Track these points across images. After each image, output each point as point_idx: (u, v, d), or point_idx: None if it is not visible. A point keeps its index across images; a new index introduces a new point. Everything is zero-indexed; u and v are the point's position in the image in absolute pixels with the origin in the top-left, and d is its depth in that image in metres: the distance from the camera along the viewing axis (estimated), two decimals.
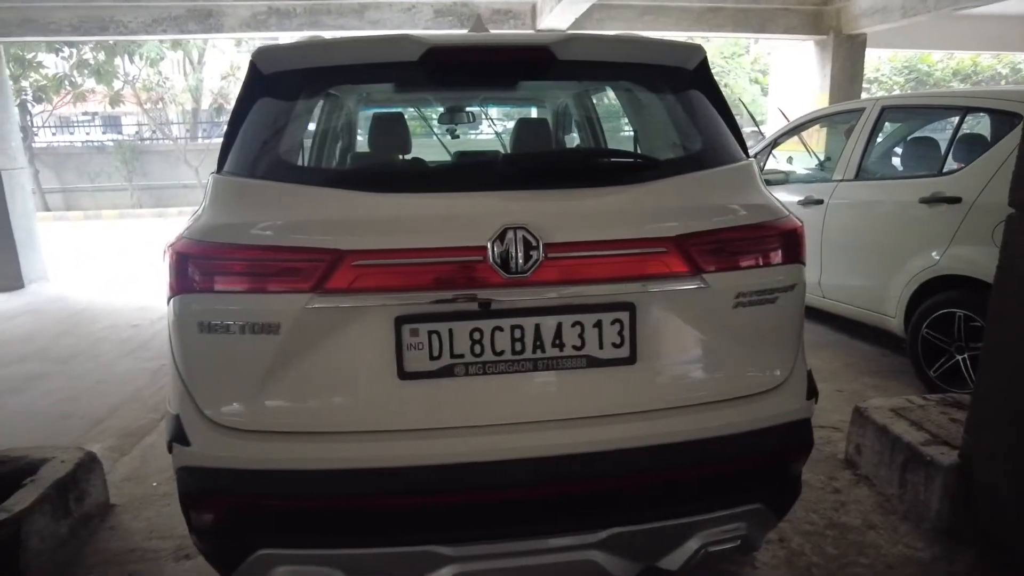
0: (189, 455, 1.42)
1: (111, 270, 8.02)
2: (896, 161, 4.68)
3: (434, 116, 3.12)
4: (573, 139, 3.45)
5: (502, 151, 2.01)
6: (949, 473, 2.23)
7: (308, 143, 1.81)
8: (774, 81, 9.26)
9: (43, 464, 2.37)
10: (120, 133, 19.06)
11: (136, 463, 2.95)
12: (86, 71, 15.83)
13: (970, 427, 2.25)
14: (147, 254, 9.26)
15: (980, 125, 4.02)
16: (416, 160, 2.01)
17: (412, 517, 1.43)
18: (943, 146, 3.86)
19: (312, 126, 1.82)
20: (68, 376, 4.16)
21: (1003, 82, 18.62)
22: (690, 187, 1.53)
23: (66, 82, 16.02)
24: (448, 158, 2.29)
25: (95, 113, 20.31)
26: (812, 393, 1.65)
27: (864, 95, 8.92)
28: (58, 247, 9.23)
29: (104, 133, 19.13)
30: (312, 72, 1.61)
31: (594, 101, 3.22)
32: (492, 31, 2.26)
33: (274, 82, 1.59)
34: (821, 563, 2.15)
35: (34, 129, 16.55)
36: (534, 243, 1.36)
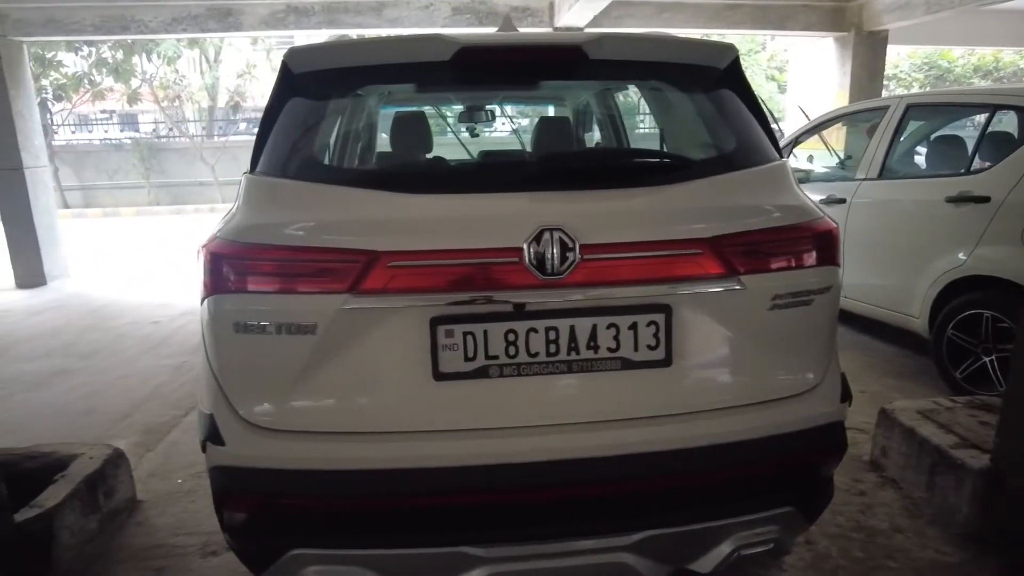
0: (223, 454, 1.43)
1: (130, 267, 8.12)
2: (920, 160, 4.62)
3: (462, 116, 3.12)
4: (595, 138, 3.43)
5: (530, 151, 1.99)
6: (979, 477, 2.20)
7: (340, 143, 1.81)
8: (792, 79, 9.17)
9: (72, 460, 2.40)
10: (137, 131, 19.24)
11: (160, 459, 2.98)
12: (104, 70, 16.00)
13: (1001, 431, 2.21)
14: (165, 251, 9.38)
15: (1008, 123, 3.96)
16: (449, 160, 2.01)
17: (445, 518, 1.43)
18: (970, 144, 3.80)
19: (343, 126, 1.82)
20: (91, 372, 4.21)
21: None
22: (725, 187, 1.52)
23: (85, 81, 16.21)
24: (479, 158, 2.29)
25: (113, 111, 20.53)
26: (846, 396, 1.63)
27: (884, 93, 8.81)
28: (78, 244, 9.34)
29: (122, 131, 19.33)
30: (343, 72, 1.61)
31: (617, 100, 3.21)
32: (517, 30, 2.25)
33: (306, 82, 1.60)
34: (848, 566, 2.13)
35: (54, 127, 16.75)
36: (570, 244, 1.35)
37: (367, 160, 2.01)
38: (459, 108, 2.97)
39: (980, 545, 2.19)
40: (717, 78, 1.71)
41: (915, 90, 17.36)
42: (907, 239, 3.79)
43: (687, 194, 1.48)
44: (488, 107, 3.22)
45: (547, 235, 1.34)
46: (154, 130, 18.10)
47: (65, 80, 16.08)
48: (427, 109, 3.45)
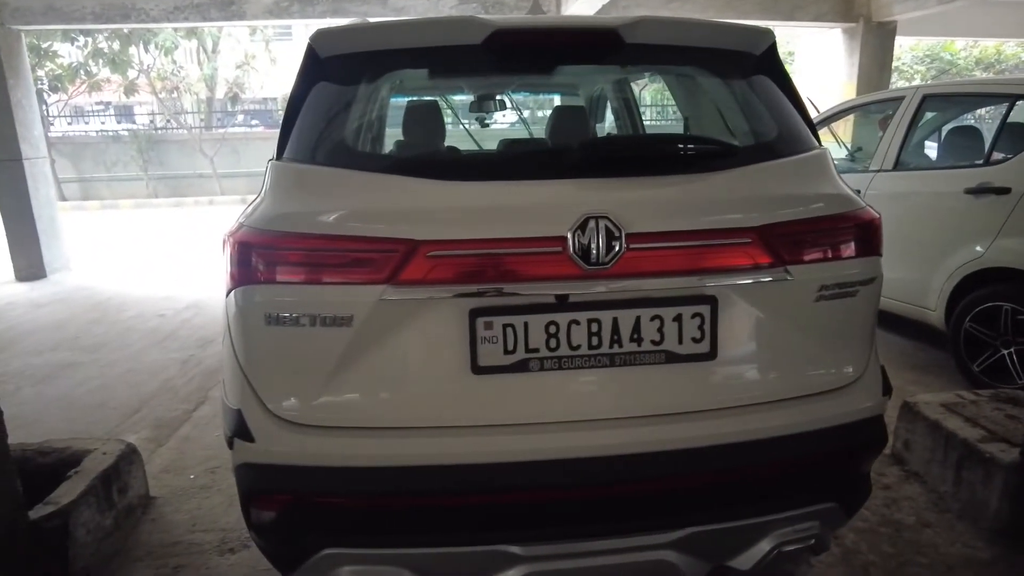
0: (252, 451, 1.39)
1: (131, 259, 8.06)
2: (936, 151, 4.58)
3: (496, 102, 3.06)
4: (627, 125, 3.37)
5: (569, 137, 1.94)
6: (1010, 471, 2.17)
7: (371, 129, 1.75)
8: (799, 70, 9.11)
9: (85, 456, 2.36)
10: (134, 123, 19.09)
11: (173, 455, 2.93)
12: (101, 60, 15.86)
13: None
14: (166, 244, 9.31)
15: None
16: (487, 147, 1.96)
17: (483, 515, 1.39)
18: (988, 135, 3.76)
19: (374, 111, 1.76)
20: (99, 365, 4.16)
21: None
22: (771, 176, 1.48)
23: (81, 71, 16.07)
24: (517, 144, 2.23)
25: (109, 103, 20.38)
26: (887, 389, 1.60)
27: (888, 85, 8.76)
28: (77, 236, 9.27)
29: (119, 123, 19.18)
30: (371, 56, 1.56)
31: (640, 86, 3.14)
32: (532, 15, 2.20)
33: (333, 66, 1.54)
34: (878, 561, 2.10)
35: (50, 119, 16.61)
36: (616, 233, 1.30)
37: (401, 146, 1.95)
38: (493, 93, 2.91)
39: (1012, 540, 2.16)
40: (754, 64, 1.66)
41: (917, 82, 17.28)
42: (924, 231, 3.75)
43: (734, 182, 1.44)
44: (524, 92, 3.13)
45: (592, 223, 1.30)
46: (151, 122, 17.96)
47: (61, 71, 15.94)
48: (460, 94, 3.38)
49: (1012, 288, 3.28)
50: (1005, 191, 3.30)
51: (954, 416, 2.54)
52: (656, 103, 14.88)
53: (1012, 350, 3.32)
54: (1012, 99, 3.61)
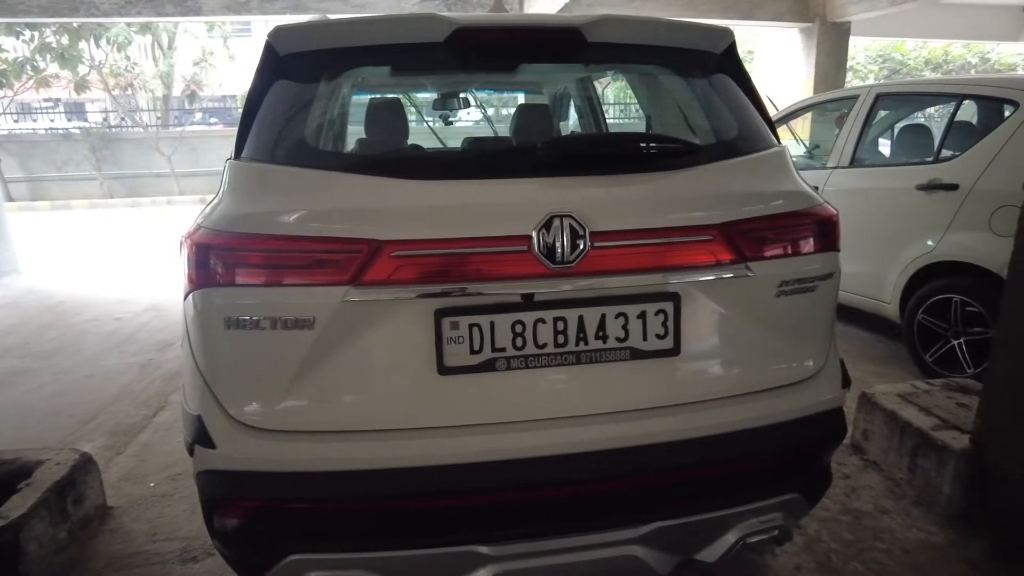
0: (213, 458, 1.35)
1: (86, 262, 7.78)
2: (890, 148, 4.72)
3: (457, 100, 3.04)
4: (586, 124, 3.39)
5: (532, 136, 1.94)
6: (961, 458, 2.25)
7: (332, 127, 1.72)
8: (759, 69, 9.29)
9: (38, 466, 2.27)
10: (86, 120, 18.46)
11: (132, 462, 2.85)
12: (49, 55, 15.25)
13: (982, 412, 2.27)
14: (123, 245, 9.03)
15: (973, 112, 4.07)
16: (451, 146, 1.94)
17: (451, 517, 1.38)
18: (937, 133, 3.89)
19: (334, 109, 1.73)
20: (53, 371, 4.01)
21: (972, 71, 18.98)
22: (731, 173, 1.50)
23: (28, 67, 15.42)
24: (481, 143, 2.22)
25: (59, 99, 19.68)
26: (846, 382, 1.64)
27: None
28: (27, 238, 8.90)
29: (69, 120, 18.52)
30: (331, 53, 1.53)
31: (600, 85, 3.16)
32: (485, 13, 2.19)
33: (292, 63, 1.51)
34: (839, 549, 2.16)
35: None
36: (580, 231, 1.31)
37: (363, 145, 1.92)
38: (457, 91, 2.90)
39: (964, 524, 2.24)
40: (714, 63, 1.69)
41: (871, 81, 17.83)
42: (879, 226, 3.86)
43: (696, 180, 1.46)
44: (488, 90, 3.11)
45: (557, 222, 1.30)
46: (105, 119, 17.38)
47: (6, 66, 15.28)
48: (423, 92, 3.33)
49: (962, 281, 3.40)
50: (953, 187, 3.42)
51: (909, 405, 2.62)
52: (619, 101, 15.02)
53: (962, 340, 3.44)
54: (959, 98, 3.75)
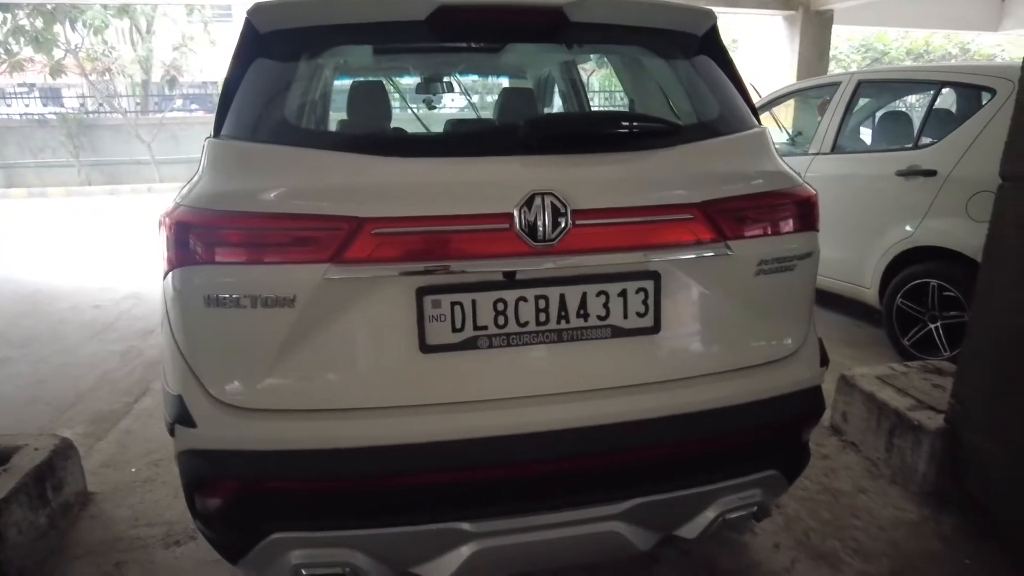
0: (195, 438, 1.35)
1: (63, 250, 7.65)
2: (871, 135, 4.77)
3: (439, 80, 3.02)
4: (569, 104, 3.39)
5: (514, 116, 1.93)
6: (936, 437, 2.30)
7: (313, 105, 1.71)
8: (743, 58, 9.33)
9: (15, 452, 2.24)
10: (63, 106, 18.07)
11: (113, 448, 2.82)
12: (23, 38, 14.88)
13: (956, 393, 2.31)
14: (102, 233, 8.88)
15: (952, 99, 4.12)
16: (433, 125, 1.93)
17: (433, 494, 1.39)
18: (917, 120, 3.93)
19: (315, 89, 1.71)
20: (31, 360, 3.95)
21: (952, 60, 19.20)
22: (712, 153, 1.51)
23: (0, 50, 15.05)
24: (464, 123, 2.21)
25: (33, 84, 19.24)
26: (824, 360, 1.66)
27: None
28: (1, 225, 8.73)
29: (45, 105, 18.12)
30: (312, 31, 1.52)
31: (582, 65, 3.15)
32: None
33: (272, 41, 1.49)
34: (817, 527, 2.20)
35: None
36: (562, 210, 1.31)
37: (344, 123, 1.91)
38: (440, 74, 2.87)
39: (938, 502, 2.30)
40: (697, 44, 1.69)
41: (853, 69, 17.98)
42: (859, 212, 3.91)
43: (677, 159, 1.46)
44: (471, 74, 3.10)
45: (538, 200, 1.30)
46: (82, 105, 17.02)
47: None
48: (406, 76, 3.30)
49: (939, 266, 3.46)
50: (932, 173, 3.47)
51: (887, 387, 2.67)
52: (604, 88, 15.01)
53: (939, 324, 3.51)
54: (938, 86, 3.79)
